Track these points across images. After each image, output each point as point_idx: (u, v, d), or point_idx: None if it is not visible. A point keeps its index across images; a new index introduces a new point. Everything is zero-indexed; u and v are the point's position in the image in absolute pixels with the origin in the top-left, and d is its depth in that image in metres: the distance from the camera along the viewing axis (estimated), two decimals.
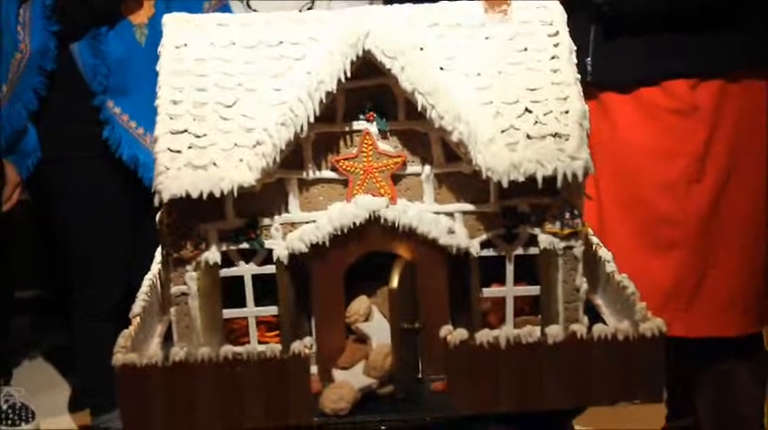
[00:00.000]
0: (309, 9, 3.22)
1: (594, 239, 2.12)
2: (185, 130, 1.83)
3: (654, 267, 2.62)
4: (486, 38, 1.97)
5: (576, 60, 1.96)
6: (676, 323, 2.62)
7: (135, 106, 3.02)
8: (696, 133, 2.60)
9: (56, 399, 3.78)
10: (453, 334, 1.73)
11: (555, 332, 1.73)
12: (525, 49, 1.95)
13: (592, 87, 2.56)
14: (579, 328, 1.73)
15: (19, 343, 4.08)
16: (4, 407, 3.41)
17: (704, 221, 2.62)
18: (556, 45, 1.96)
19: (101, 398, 3.31)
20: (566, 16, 2.01)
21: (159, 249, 2.06)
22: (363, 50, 1.78)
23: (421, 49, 1.93)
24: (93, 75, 3.01)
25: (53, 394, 3.81)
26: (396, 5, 2.03)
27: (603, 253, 2.08)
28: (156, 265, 2.09)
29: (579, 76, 2.24)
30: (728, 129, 2.61)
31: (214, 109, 1.86)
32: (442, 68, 1.91)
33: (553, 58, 1.95)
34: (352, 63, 1.79)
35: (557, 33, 1.98)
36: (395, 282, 1.74)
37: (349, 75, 1.79)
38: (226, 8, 3.15)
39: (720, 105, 2.59)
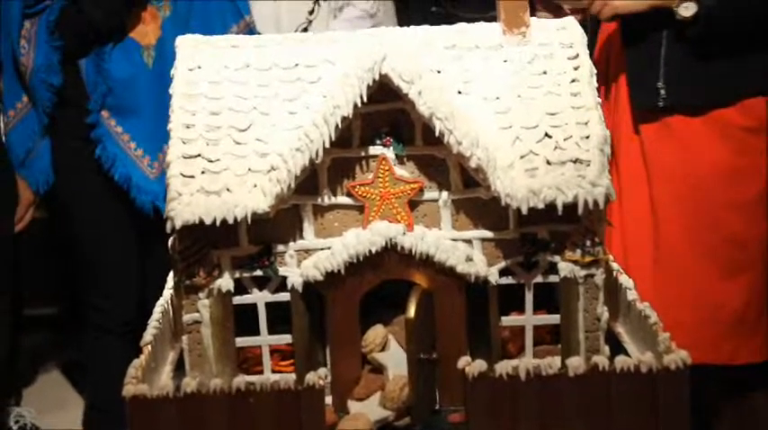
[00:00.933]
0: (305, 30, 3.21)
1: (615, 265, 2.08)
2: (198, 155, 1.80)
3: (722, 291, 2.56)
4: (505, 60, 1.94)
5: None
6: (743, 349, 2.57)
7: (137, 127, 3.00)
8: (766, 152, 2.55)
9: (68, 417, 3.74)
10: (472, 365, 1.69)
11: (576, 364, 1.69)
12: (545, 73, 1.92)
13: (662, 112, 2.51)
14: (601, 360, 1.68)
15: (33, 360, 4.06)
16: (15, 428, 3.39)
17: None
18: (576, 68, 1.92)
19: (111, 416, 3.28)
20: (585, 38, 1.98)
21: (171, 274, 2.03)
22: (380, 74, 1.75)
23: (438, 72, 1.90)
24: (92, 92, 2.99)
25: (65, 412, 3.78)
26: (412, 27, 2.00)
27: (624, 280, 2.04)
28: (167, 291, 2.06)
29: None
30: None
31: (228, 133, 1.83)
32: (459, 92, 1.88)
33: (573, 81, 1.91)
34: (369, 87, 1.76)
35: (577, 56, 1.94)
36: (411, 312, 1.70)
37: (365, 99, 1.76)
38: (252, 34, 3.13)
39: None
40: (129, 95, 2.99)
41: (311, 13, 3.28)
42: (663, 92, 2.54)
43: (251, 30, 3.20)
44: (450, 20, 3.61)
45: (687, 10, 2.44)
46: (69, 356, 4.09)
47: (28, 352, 3.81)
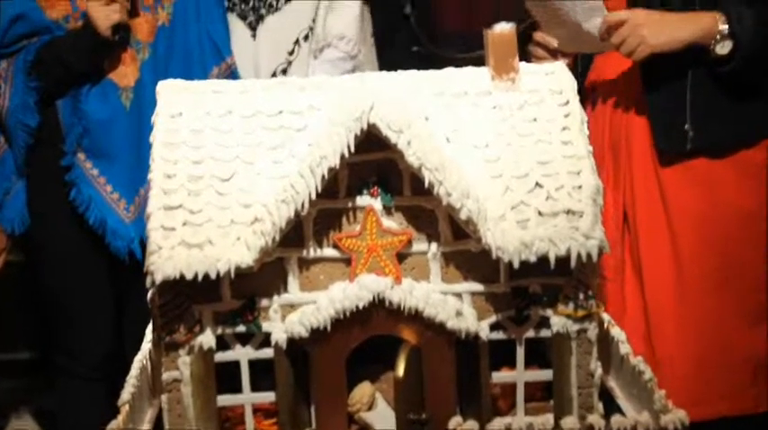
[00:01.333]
0: (284, 71, 3.17)
1: (606, 317, 2.03)
2: (180, 206, 1.74)
3: (747, 339, 2.48)
4: (494, 107, 1.89)
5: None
6: (762, 397, 2.51)
7: (114, 170, 2.93)
8: None
9: None
10: (463, 426, 1.63)
11: (571, 424, 1.64)
12: (535, 120, 1.87)
13: (686, 155, 2.46)
14: (596, 421, 1.63)
15: (5, 406, 3.97)
16: None
17: None
18: (566, 115, 1.88)
19: None
20: (576, 83, 1.94)
21: (150, 328, 1.97)
22: (368, 124, 1.70)
23: (426, 119, 1.85)
24: (68, 133, 2.93)
25: None
26: (399, 72, 1.95)
27: (617, 332, 1.99)
28: (146, 344, 1.99)
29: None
30: None
31: (210, 183, 1.77)
32: (448, 140, 1.83)
33: (564, 129, 1.86)
34: (356, 137, 1.71)
35: (567, 103, 1.90)
36: (401, 371, 1.65)
37: (353, 149, 1.71)
38: (234, 76, 3.08)
39: None
40: (106, 137, 2.93)
41: (291, 53, 3.23)
42: (691, 134, 2.47)
43: (233, 72, 3.15)
44: (431, 59, 3.60)
45: (723, 48, 2.38)
46: (43, 403, 3.99)
47: (0, 397, 3.71)
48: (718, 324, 2.47)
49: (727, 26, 2.37)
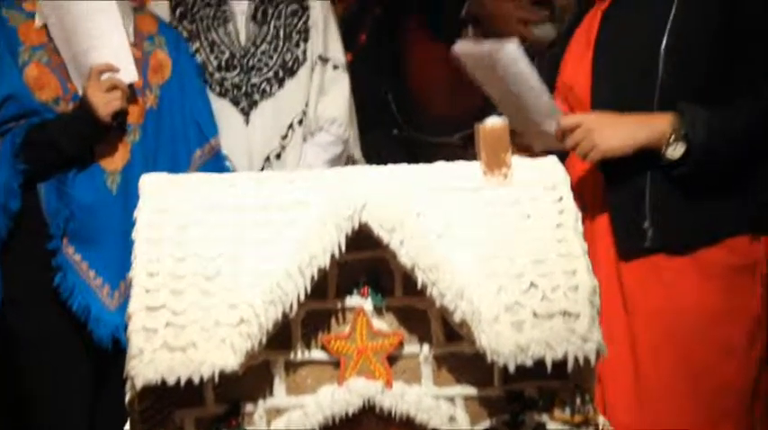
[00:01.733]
0: (278, 156, 3.15)
1: (602, 420, 1.96)
2: (163, 306, 1.67)
3: None
4: (487, 203, 1.84)
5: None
6: None
7: (97, 255, 2.88)
8: (755, 290, 2.45)
9: None
10: None
11: None
12: (528, 217, 1.83)
13: (647, 252, 2.42)
14: None
15: None
16: None
17: (754, 391, 2.46)
18: (561, 212, 1.84)
19: None
20: (569, 179, 1.90)
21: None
22: (360, 223, 1.65)
23: (418, 215, 1.80)
24: (53, 218, 2.86)
25: None
26: (389, 167, 1.91)
27: None
28: None
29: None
30: None
31: (194, 281, 1.71)
32: (440, 236, 1.78)
33: (558, 226, 1.82)
34: (347, 236, 1.65)
35: (561, 199, 1.85)
36: None
37: (344, 249, 1.65)
38: (218, 157, 3.04)
39: None
40: (91, 222, 2.87)
41: (285, 138, 3.22)
42: (650, 232, 2.45)
43: (217, 153, 3.12)
44: (411, 143, 3.59)
45: (676, 151, 2.38)
46: None
47: None
48: (678, 425, 2.41)
49: (680, 129, 2.35)
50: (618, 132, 2.40)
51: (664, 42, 2.41)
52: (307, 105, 3.24)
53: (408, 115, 3.69)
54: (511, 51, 2.40)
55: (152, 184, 1.83)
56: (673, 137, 2.37)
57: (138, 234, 1.76)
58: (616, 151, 2.40)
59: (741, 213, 2.45)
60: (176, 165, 2.97)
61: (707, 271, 2.44)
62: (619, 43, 2.51)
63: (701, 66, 2.41)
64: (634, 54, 2.46)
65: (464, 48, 2.52)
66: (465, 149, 3.44)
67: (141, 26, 3.05)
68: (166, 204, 1.80)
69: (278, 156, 3.20)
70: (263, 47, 3.21)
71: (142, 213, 1.79)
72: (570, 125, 2.43)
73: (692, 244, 2.44)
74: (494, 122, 1.89)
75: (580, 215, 1.85)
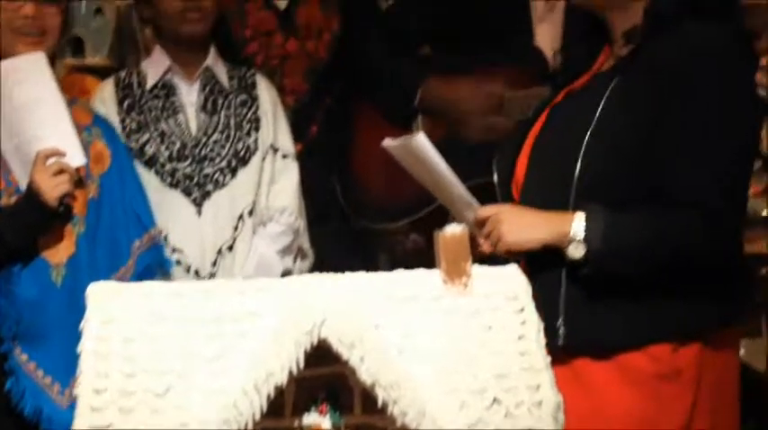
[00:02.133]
0: (230, 248, 3.10)
1: None
2: (109, 425, 1.59)
3: None
4: (447, 312, 1.79)
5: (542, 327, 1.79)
6: None
7: (44, 353, 2.76)
8: (680, 399, 2.38)
9: None
10: None
11: None
12: (490, 328, 1.78)
13: (563, 353, 2.34)
14: None
15: None
16: None
17: None
18: (523, 323, 1.79)
19: None
20: (530, 288, 1.86)
21: None
22: (319, 339, 1.59)
23: (376, 326, 1.74)
24: (2, 320, 2.75)
25: None
26: (346, 275, 1.85)
27: None
28: None
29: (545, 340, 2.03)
30: (709, 395, 2.39)
31: (143, 399, 1.62)
32: (401, 352, 1.72)
33: (521, 337, 1.77)
34: (305, 352, 1.59)
35: (522, 310, 1.81)
36: None
37: (302, 365, 1.59)
38: (158, 247, 2.96)
39: (700, 369, 2.39)
40: (37, 319, 2.76)
41: (235, 229, 3.16)
42: (563, 330, 2.38)
43: (156, 243, 3.03)
44: (357, 231, 3.54)
45: (577, 251, 2.33)
46: None
47: None
48: None
49: (582, 232, 2.32)
50: (523, 227, 2.38)
51: (585, 141, 2.39)
52: (257, 195, 3.20)
53: (355, 204, 3.65)
54: (419, 142, 2.43)
55: (98, 294, 1.75)
56: (575, 238, 2.34)
57: (84, 347, 1.68)
58: (521, 246, 2.36)
59: (658, 320, 2.39)
60: (116, 256, 2.90)
61: (631, 377, 2.37)
62: (551, 139, 2.50)
63: (620, 165, 2.36)
64: (559, 151, 2.44)
65: (389, 142, 2.53)
66: (407, 236, 3.41)
67: (77, 118, 2.98)
68: (112, 315, 1.72)
69: (230, 248, 3.14)
70: (215, 136, 3.17)
71: (89, 324, 1.71)
72: (484, 216, 2.43)
73: (609, 347, 2.38)
74: (453, 230, 1.85)
75: (542, 325, 1.81)
